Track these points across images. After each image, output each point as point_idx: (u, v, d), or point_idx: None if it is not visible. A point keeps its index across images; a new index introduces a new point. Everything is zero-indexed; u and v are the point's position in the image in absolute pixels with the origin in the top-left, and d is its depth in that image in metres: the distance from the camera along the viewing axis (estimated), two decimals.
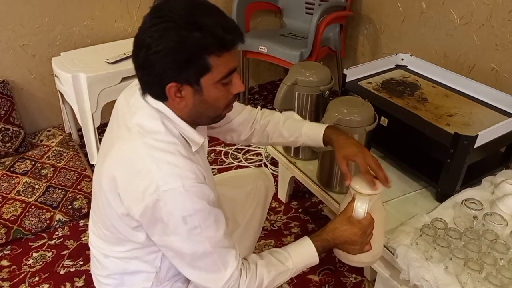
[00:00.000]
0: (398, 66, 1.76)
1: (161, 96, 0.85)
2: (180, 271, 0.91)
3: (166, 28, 0.77)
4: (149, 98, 0.87)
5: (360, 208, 0.97)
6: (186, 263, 0.88)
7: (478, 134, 1.21)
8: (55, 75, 2.07)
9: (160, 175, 0.79)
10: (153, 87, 0.84)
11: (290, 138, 1.18)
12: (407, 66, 1.75)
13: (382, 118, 1.43)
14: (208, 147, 2.01)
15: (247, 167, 2.13)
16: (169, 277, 1.01)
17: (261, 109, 1.23)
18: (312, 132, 1.15)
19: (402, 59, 1.76)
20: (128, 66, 1.98)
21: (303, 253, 0.97)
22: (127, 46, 2.17)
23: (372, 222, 0.98)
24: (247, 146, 2.30)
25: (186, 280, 1.10)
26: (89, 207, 1.83)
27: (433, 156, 1.37)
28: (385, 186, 1.00)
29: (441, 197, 1.35)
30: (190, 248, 0.84)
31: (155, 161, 0.81)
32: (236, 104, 1.05)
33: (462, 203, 1.25)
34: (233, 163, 2.17)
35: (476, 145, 1.23)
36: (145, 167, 0.80)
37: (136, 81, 0.92)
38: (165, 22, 0.77)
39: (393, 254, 1.16)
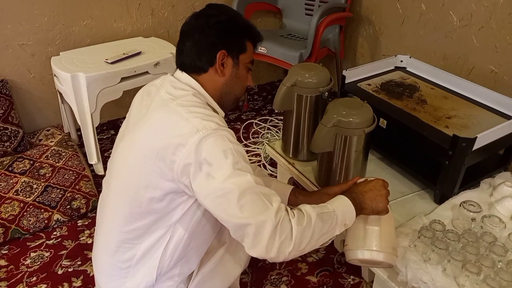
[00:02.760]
0: (397, 68, 1.76)
1: (204, 67, 1.01)
2: (228, 221, 0.89)
3: (224, 9, 1.04)
4: (181, 75, 1.02)
5: None
6: (233, 206, 0.87)
7: (476, 137, 1.21)
8: (54, 75, 2.07)
9: (197, 121, 0.90)
10: (204, 55, 1.00)
11: None
12: (406, 68, 1.75)
13: (381, 119, 1.43)
14: None
15: None
16: (173, 263, 1.03)
17: None
18: (280, 186, 1.24)
19: (401, 61, 1.76)
20: (128, 66, 1.98)
21: (336, 200, 1.01)
22: (126, 46, 2.18)
23: (387, 184, 1.09)
24: (245, 146, 2.30)
25: (187, 281, 1.10)
26: (87, 207, 1.83)
27: (432, 158, 1.37)
28: None
29: (440, 199, 1.35)
30: (235, 183, 0.87)
31: (190, 113, 0.92)
32: None
33: (460, 205, 1.25)
34: None
35: (474, 147, 1.23)
36: (183, 118, 0.91)
37: (154, 81, 1.09)
38: (220, 8, 1.04)
39: None
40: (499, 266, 1.07)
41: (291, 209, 0.94)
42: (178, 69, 1.05)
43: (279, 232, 0.87)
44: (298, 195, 1.23)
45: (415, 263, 1.11)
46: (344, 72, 1.60)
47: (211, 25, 0.99)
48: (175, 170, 0.90)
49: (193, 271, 1.11)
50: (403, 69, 1.75)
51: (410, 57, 1.74)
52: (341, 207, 0.99)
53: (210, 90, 1.03)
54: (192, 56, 1.01)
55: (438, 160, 1.31)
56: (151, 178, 0.94)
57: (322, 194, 1.17)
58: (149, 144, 0.93)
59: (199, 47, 1.00)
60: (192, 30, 1.01)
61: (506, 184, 1.34)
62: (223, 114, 1.07)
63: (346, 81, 1.61)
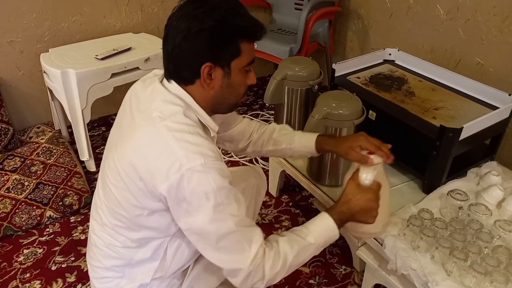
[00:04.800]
0: (386, 61, 1.78)
1: (190, 78, 0.90)
2: (205, 256, 0.91)
3: (209, 10, 0.85)
4: (170, 85, 0.91)
5: (367, 179, 1.02)
6: (211, 245, 0.87)
7: (463, 127, 1.24)
8: (44, 72, 2.05)
9: (182, 153, 0.82)
10: (187, 67, 0.88)
11: (283, 145, 1.21)
12: (394, 61, 1.78)
13: (370, 112, 1.45)
14: None
15: (238, 162, 2.14)
16: (173, 267, 1.02)
17: (258, 122, 1.27)
18: (304, 138, 1.19)
19: (390, 54, 1.78)
20: (118, 62, 1.98)
21: (322, 227, 0.98)
22: (116, 42, 2.18)
23: (380, 187, 1.03)
24: None
25: (182, 276, 1.11)
26: (80, 203, 1.83)
27: (420, 148, 1.40)
28: (388, 161, 1.06)
29: (428, 188, 1.38)
30: (214, 227, 0.85)
31: (177, 141, 0.83)
32: (235, 114, 1.17)
33: (448, 194, 1.28)
34: (224, 158, 2.18)
35: (461, 137, 1.26)
36: (168, 147, 0.83)
37: (149, 74, 1.00)
38: (208, 6, 0.85)
39: (381, 244, 1.18)
40: (485, 252, 1.10)
41: (269, 246, 0.92)
42: (165, 77, 0.95)
43: (251, 277, 0.89)
44: (325, 146, 1.17)
45: (404, 251, 1.13)
46: (334, 66, 1.62)
47: (193, 33, 0.84)
48: (157, 196, 0.87)
49: (188, 267, 1.12)
50: (391, 62, 1.77)
51: (398, 50, 1.76)
52: (324, 236, 0.98)
53: (201, 102, 0.92)
54: (176, 64, 0.90)
55: (426, 151, 1.34)
56: (138, 197, 0.90)
57: (348, 149, 1.08)
58: (133, 165, 0.87)
59: (182, 56, 0.88)
60: (173, 33, 0.87)
61: (492, 173, 1.37)
62: (216, 128, 0.98)
63: (336, 75, 1.63)
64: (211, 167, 0.83)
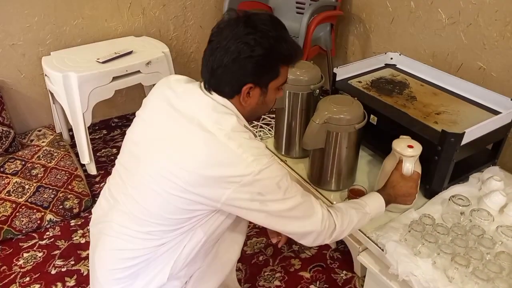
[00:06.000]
0: (387, 65, 1.77)
1: (230, 94, 0.97)
2: (279, 229, 1.02)
3: (260, 37, 0.92)
4: (216, 96, 0.97)
5: (409, 168, 1.21)
6: (285, 220, 0.98)
7: (465, 132, 1.23)
8: (45, 75, 2.06)
9: (252, 158, 0.91)
10: (230, 85, 0.96)
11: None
12: (396, 65, 1.77)
13: (372, 116, 1.44)
14: None
15: None
16: (186, 264, 1.03)
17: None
18: (375, 202, 1.19)
19: (392, 58, 1.78)
20: (119, 65, 1.98)
21: (376, 202, 1.16)
22: (118, 45, 2.18)
23: (419, 176, 1.24)
24: None
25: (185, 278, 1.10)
26: (80, 207, 1.83)
27: (421, 153, 1.39)
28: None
29: (429, 193, 1.37)
30: (287, 205, 0.96)
31: (244, 150, 0.91)
32: None
33: (449, 199, 1.27)
34: None
35: (463, 142, 1.25)
36: (239, 158, 0.91)
37: (169, 81, 1.05)
38: (259, 32, 0.92)
39: (382, 249, 1.18)
40: (487, 258, 1.09)
41: (334, 210, 1.05)
42: (205, 88, 0.99)
43: (323, 235, 1.02)
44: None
45: (406, 257, 1.12)
46: (335, 70, 1.62)
47: (242, 58, 0.92)
48: (222, 200, 0.92)
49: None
50: (393, 66, 1.77)
51: (400, 55, 1.76)
52: (376, 209, 1.15)
53: (241, 111, 1.00)
54: (219, 81, 0.96)
55: (428, 156, 1.33)
56: (186, 205, 0.94)
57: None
58: (204, 177, 0.91)
59: (227, 75, 0.94)
60: (222, 52, 0.93)
61: (494, 178, 1.36)
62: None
63: (337, 79, 1.62)
64: (272, 162, 0.94)
